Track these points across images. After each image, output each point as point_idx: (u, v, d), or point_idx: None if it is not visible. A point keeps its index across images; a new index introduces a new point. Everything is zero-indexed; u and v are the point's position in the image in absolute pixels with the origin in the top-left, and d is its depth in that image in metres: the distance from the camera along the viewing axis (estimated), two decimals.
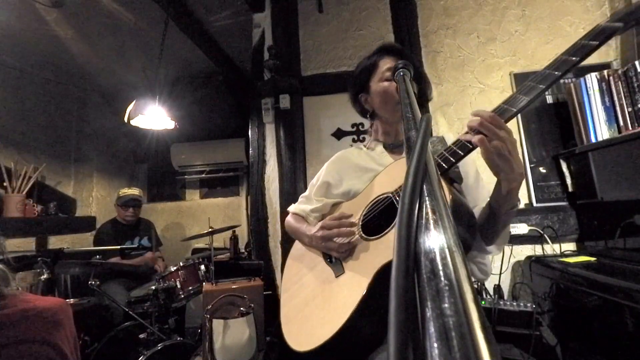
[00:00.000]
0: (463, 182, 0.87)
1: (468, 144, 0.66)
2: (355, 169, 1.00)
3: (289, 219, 1.07)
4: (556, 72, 0.63)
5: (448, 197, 0.64)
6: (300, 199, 1.10)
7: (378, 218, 0.81)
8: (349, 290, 0.71)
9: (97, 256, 2.09)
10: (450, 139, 0.94)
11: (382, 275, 0.66)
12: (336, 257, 0.83)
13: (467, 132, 0.67)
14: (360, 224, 0.82)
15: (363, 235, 0.79)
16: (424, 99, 1.00)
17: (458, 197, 0.69)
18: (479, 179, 0.92)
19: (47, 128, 3.23)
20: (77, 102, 3.57)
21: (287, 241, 2.03)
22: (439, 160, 0.69)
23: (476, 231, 0.75)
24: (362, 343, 0.70)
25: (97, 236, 2.69)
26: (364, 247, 0.77)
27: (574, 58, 0.62)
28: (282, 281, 1.01)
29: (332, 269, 0.82)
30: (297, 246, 1.04)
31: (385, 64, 0.94)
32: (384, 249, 0.71)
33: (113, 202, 2.79)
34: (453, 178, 0.82)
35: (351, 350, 0.70)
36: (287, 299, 0.93)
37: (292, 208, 1.09)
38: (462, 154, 0.66)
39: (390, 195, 0.79)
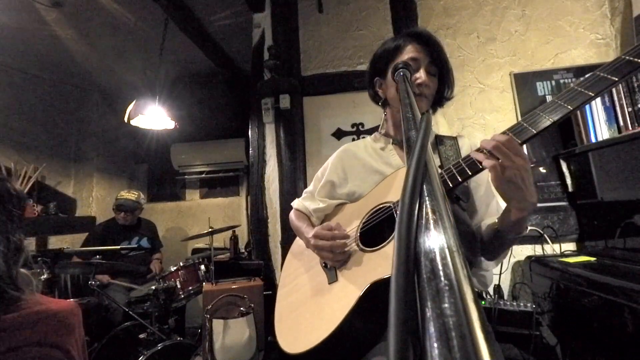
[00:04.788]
0: (472, 196, 0.83)
1: (478, 164, 0.61)
2: (361, 169, 0.95)
3: (292, 215, 1.05)
4: (589, 92, 0.54)
5: None
6: (304, 194, 1.08)
7: (377, 227, 0.80)
8: (338, 301, 0.71)
9: (98, 256, 2.09)
10: (463, 143, 0.92)
11: (372, 291, 0.65)
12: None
13: (479, 149, 0.62)
14: (359, 232, 0.81)
15: (360, 245, 0.78)
16: (445, 97, 0.93)
17: (458, 217, 0.67)
18: (491, 191, 0.86)
19: (47, 128, 3.23)
20: (77, 102, 3.57)
21: (287, 241, 2.03)
22: (446, 177, 0.66)
23: (477, 250, 0.74)
24: (347, 352, 0.71)
25: (87, 236, 2.67)
26: (360, 257, 0.76)
27: (613, 77, 0.53)
28: (281, 275, 1.00)
29: (327, 274, 0.81)
30: (298, 242, 1.03)
31: (409, 52, 0.85)
32: (378, 263, 0.70)
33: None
34: (458, 195, 0.78)
35: (337, 357, 0.71)
36: (282, 295, 0.93)
37: (295, 204, 1.07)
38: (469, 173, 0.62)
39: (391, 205, 0.77)
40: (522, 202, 0.60)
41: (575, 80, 1.88)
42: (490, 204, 0.84)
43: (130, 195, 2.67)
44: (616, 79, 0.52)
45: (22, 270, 0.66)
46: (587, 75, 0.57)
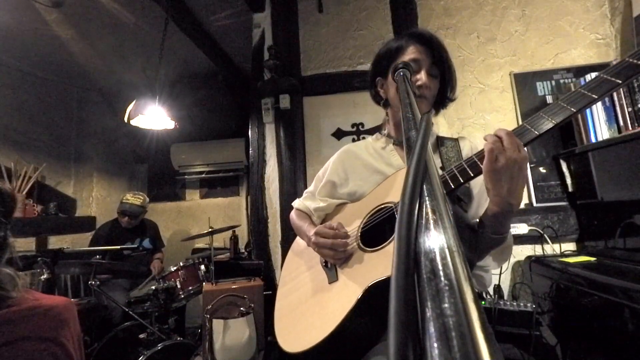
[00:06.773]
0: (470, 193, 0.83)
1: (480, 165, 0.61)
2: (362, 169, 0.95)
3: (293, 214, 1.05)
4: (593, 95, 0.54)
5: None
6: (305, 194, 1.08)
7: (378, 227, 0.80)
8: (338, 301, 0.71)
9: (97, 256, 2.09)
10: (464, 144, 0.91)
11: (372, 291, 0.65)
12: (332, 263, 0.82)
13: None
14: (360, 231, 0.81)
15: (361, 244, 0.78)
16: (448, 98, 0.92)
17: (459, 217, 0.68)
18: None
19: (47, 128, 3.23)
20: (77, 102, 3.57)
21: (287, 241, 2.04)
22: (447, 178, 0.65)
23: (478, 249, 0.73)
24: (347, 352, 0.71)
25: (93, 237, 2.69)
26: (360, 257, 0.76)
27: (617, 80, 0.53)
28: (282, 273, 1.00)
29: (327, 274, 0.81)
30: (298, 241, 1.03)
31: (411, 53, 0.84)
32: (378, 264, 0.70)
33: (115, 203, 2.78)
34: (460, 196, 0.78)
35: (336, 357, 0.71)
36: (282, 293, 0.93)
37: (296, 203, 1.07)
38: (471, 174, 0.62)
39: (392, 206, 0.77)
40: (499, 196, 0.59)
41: (576, 80, 1.88)
42: (483, 205, 0.83)
43: (135, 200, 2.64)
44: (620, 82, 0.52)
45: (5, 269, 0.66)
46: (590, 78, 0.58)
